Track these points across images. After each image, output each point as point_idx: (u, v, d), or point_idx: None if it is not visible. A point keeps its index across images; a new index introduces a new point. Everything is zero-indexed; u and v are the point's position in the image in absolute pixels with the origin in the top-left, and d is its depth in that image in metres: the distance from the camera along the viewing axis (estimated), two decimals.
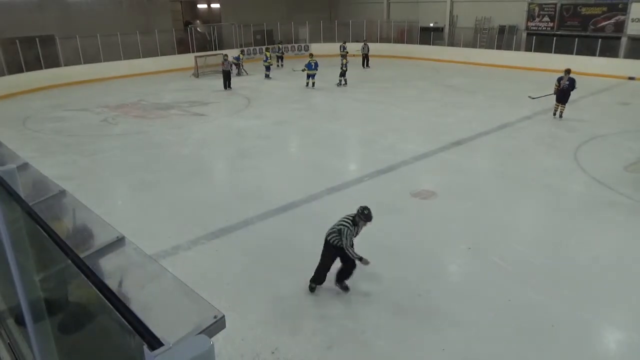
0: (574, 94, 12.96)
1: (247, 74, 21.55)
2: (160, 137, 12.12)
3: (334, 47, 27.42)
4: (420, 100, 15.79)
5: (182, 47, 23.78)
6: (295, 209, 7.72)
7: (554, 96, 12.97)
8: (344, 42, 23.56)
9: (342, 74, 18.52)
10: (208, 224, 7.16)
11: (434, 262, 6.24)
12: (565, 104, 12.89)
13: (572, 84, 12.65)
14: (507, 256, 6.20)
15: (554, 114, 13.12)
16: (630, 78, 18.61)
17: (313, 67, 17.85)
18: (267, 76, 20.49)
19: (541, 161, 9.82)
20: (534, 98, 13.78)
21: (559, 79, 12.81)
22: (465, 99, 15.62)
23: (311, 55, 18.10)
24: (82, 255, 1.43)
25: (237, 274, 5.98)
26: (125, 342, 1.13)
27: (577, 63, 19.42)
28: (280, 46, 24.66)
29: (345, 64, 18.39)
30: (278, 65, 23.20)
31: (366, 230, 7.12)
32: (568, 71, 12.79)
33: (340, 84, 18.59)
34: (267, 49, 22.21)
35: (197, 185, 8.82)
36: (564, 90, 12.71)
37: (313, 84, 18.39)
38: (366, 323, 5.00)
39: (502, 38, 23.17)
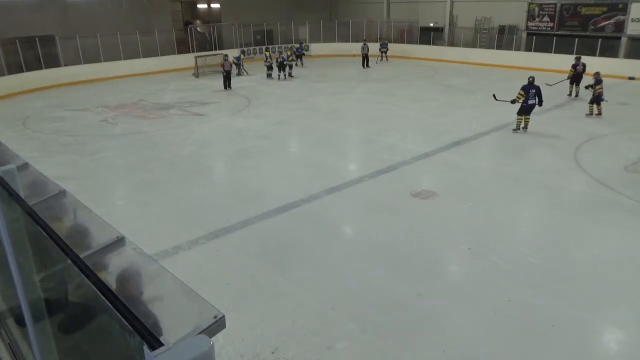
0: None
1: (247, 74, 21.56)
2: (160, 137, 12.12)
3: (334, 47, 27.52)
4: (420, 100, 15.79)
5: (182, 47, 23.78)
6: (295, 209, 7.72)
7: (567, 82, 15.38)
8: (383, 41, 24.74)
9: (283, 68, 20.17)
10: (208, 224, 7.16)
11: (434, 262, 6.24)
12: (579, 85, 15.10)
13: (584, 67, 15.15)
14: (507, 256, 6.20)
15: (570, 94, 15.40)
16: (630, 78, 18.60)
17: (285, 59, 20.21)
18: (269, 76, 20.49)
19: (541, 161, 9.82)
20: (550, 85, 15.13)
21: (574, 65, 15.13)
22: (465, 99, 15.62)
23: (289, 49, 21.03)
24: (82, 255, 1.43)
25: (237, 273, 5.97)
26: (125, 342, 1.13)
27: None
28: (302, 44, 24.76)
29: (288, 56, 20.45)
30: (296, 64, 22.78)
31: (366, 229, 7.16)
32: (579, 58, 15.42)
33: (280, 78, 20.17)
34: (267, 49, 22.22)
35: (197, 185, 8.82)
36: (579, 73, 15.09)
37: (289, 74, 20.36)
38: (366, 323, 4.99)
39: (502, 38, 23.16)
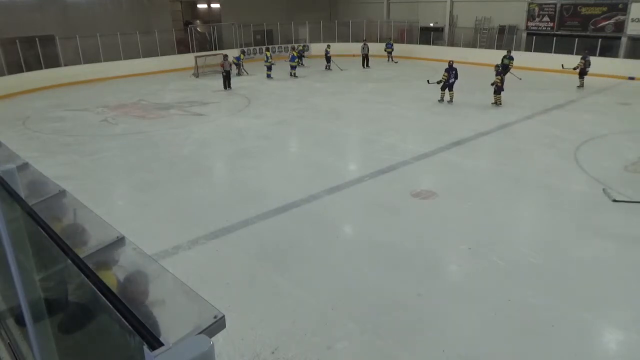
0: (574, 94, 14.96)
1: (247, 74, 21.56)
2: (160, 137, 12.12)
3: (334, 47, 27.65)
4: (420, 100, 15.77)
5: (182, 47, 23.78)
6: (296, 209, 7.72)
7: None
8: (388, 40, 25.37)
9: (301, 58, 22.84)
10: (208, 224, 7.16)
11: (434, 262, 6.24)
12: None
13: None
14: (507, 256, 6.20)
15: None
16: (630, 78, 18.60)
17: (296, 58, 21.28)
18: (268, 76, 20.50)
19: (541, 161, 9.81)
20: (520, 78, 17.07)
21: (508, 57, 17.33)
22: (465, 99, 15.60)
23: (293, 48, 22.31)
24: (82, 255, 1.43)
25: (237, 274, 5.97)
26: (125, 342, 1.13)
27: (577, 63, 19.36)
28: (302, 45, 25.20)
29: (293, 57, 21.27)
30: (300, 64, 22.90)
31: (366, 230, 7.16)
32: (510, 51, 17.73)
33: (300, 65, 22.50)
34: (267, 49, 22.23)
35: (197, 185, 8.82)
36: (506, 65, 16.91)
37: (294, 74, 20.83)
38: (366, 323, 5.00)
39: (502, 38, 23.16)
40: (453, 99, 14.94)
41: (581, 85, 17.17)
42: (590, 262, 6.13)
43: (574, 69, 16.98)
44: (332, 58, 22.61)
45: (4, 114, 15.02)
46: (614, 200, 7.67)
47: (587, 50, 18.15)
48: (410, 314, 5.16)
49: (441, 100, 15.02)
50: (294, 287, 5.65)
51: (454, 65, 14.68)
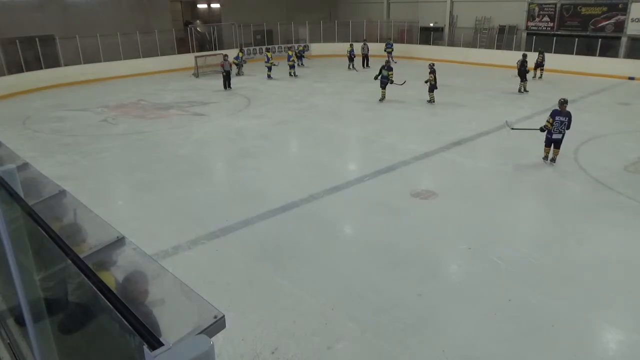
0: (574, 94, 14.26)
1: (242, 73, 21.55)
2: (160, 137, 12.12)
3: (334, 47, 27.66)
4: (420, 100, 15.78)
5: (182, 47, 23.76)
6: (296, 209, 7.72)
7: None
8: (390, 40, 25.42)
9: (300, 58, 23.45)
10: (208, 224, 7.17)
11: (434, 262, 6.24)
12: (526, 80, 16.74)
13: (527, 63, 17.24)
14: (507, 256, 6.20)
15: (520, 90, 16.71)
16: (630, 78, 18.60)
17: (292, 57, 21.44)
18: (269, 77, 20.50)
19: (541, 161, 9.81)
20: (523, 73, 16.73)
21: (523, 62, 16.69)
22: (465, 99, 15.61)
23: (289, 48, 22.37)
24: (82, 255, 1.43)
25: (237, 274, 5.97)
26: (125, 342, 1.13)
27: (577, 63, 19.41)
28: (302, 45, 25.44)
29: (289, 56, 21.51)
30: (299, 64, 23.16)
31: (366, 230, 7.16)
32: (525, 55, 17.03)
33: (300, 65, 23.17)
34: (267, 50, 22.23)
35: (197, 185, 8.82)
36: (526, 69, 16.60)
37: (294, 73, 21.06)
38: (366, 323, 5.00)
39: (502, 38, 23.16)
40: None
41: (540, 77, 18.66)
42: (590, 261, 6.13)
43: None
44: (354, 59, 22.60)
45: (4, 114, 15.02)
46: (512, 129, 8.66)
47: (541, 48, 19.75)
48: (410, 313, 5.16)
49: (382, 98, 15.56)
50: (294, 287, 5.64)
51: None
